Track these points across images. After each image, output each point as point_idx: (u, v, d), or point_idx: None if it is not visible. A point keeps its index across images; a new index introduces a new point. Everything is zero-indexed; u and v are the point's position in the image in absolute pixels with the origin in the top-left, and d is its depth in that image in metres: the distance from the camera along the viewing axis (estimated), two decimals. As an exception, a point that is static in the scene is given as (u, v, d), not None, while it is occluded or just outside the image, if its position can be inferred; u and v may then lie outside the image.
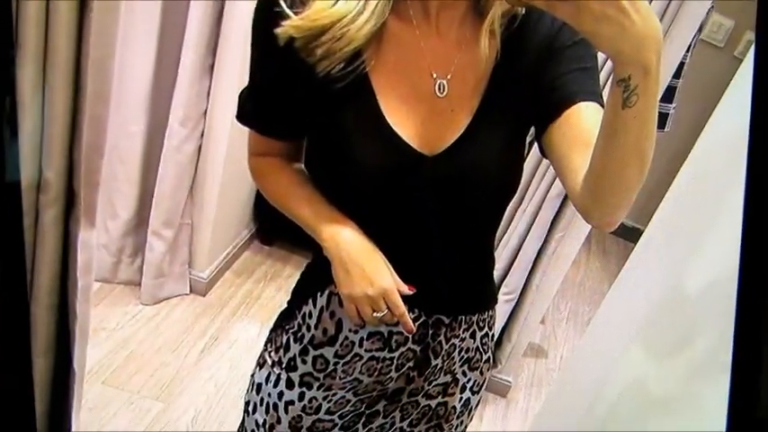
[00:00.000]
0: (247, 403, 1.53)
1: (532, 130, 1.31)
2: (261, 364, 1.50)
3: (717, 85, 2.07)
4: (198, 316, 3.37)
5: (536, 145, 1.31)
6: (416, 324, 1.36)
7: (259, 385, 1.49)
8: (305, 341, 1.42)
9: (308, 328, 1.41)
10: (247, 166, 1.42)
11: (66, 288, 1.78)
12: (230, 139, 3.11)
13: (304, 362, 1.42)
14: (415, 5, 1.22)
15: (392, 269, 1.29)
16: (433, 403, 1.51)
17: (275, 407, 1.46)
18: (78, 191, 1.63)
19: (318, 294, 1.39)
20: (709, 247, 1.46)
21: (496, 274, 3.01)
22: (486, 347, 1.53)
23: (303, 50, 1.17)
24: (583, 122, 1.17)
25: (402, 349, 1.40)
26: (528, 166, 2.84)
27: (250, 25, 1.24)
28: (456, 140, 1.24)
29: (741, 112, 1.35)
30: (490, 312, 1.51)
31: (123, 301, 3.30)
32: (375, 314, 1.28)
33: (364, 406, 1.48)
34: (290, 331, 1.44)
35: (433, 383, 1.48)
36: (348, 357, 1.40)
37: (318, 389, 1.43)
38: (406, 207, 1.29)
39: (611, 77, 0.99)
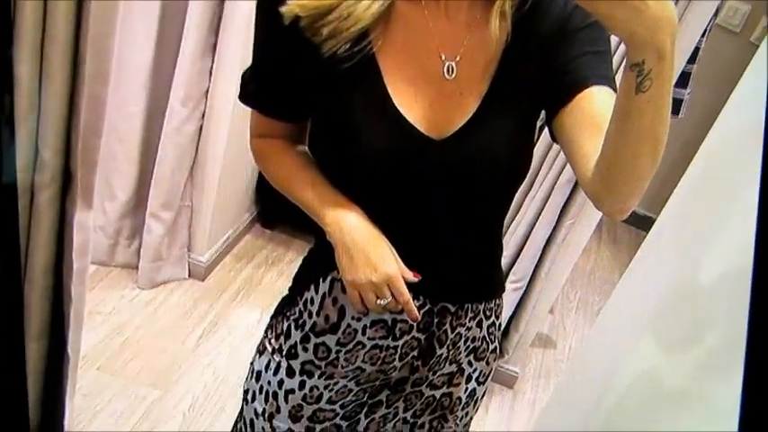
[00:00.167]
0: (246, 391, 1.54)
1: (543, 114, 1.31)
2: (261, 351, 1.51)
3: (732, 71, 2.06)
4: (196, 301, 3.37)
5: (546, 129, 1.31)
6: (421, 312, 1.37)
7: (259, 373, 1.50)
8: (306, 328, 1.42)
9: (310, 315, 1.41)
10: (249, 147, 1.42)
11: (61, 270, 1.79)
12: (232, 119, 3.10)
13: (305, 349, 1.43)
14: (424, -16, 1.21)
15: (397, 255, 1.29)
16: (438, 394, 1.51)
17: (275, 395, 1.47)
18: (75, 171, 1.63)
19: (321, 280, 1.40)
20: (724, 236, 1.45)
21: (504, 261, 3.01)
22: (492, 337, 1.53)
23: (308, 30, 1.17)
24: (595, 107, 1.17)
25: (406, 338, 1.40)
26: (538, 151, 2.83)
27: (254, 3, 1.24)
28: (464, 124, 1.24)
29: (757, 98, 1.34)
30: (497, 301, 1.52)
31: (120, 284, 3.31)
32: (379, 301, 1.28)
33: (367, 396, 1.49)
34: (292, 318, 1.45)
35: (438, 373, 1.49)
36: (350, 345, 1.40)
37: (320, 377, 1.43)
38: (412, 192, 1.29)
39: (624, 62, 0.99)
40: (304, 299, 1.43)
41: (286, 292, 1.49)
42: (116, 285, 3.30)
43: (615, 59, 2.36)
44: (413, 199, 1.30)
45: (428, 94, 1.24)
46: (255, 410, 1.51)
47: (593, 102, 1.18)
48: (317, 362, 1.42)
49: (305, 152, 1.39)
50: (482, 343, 1.51)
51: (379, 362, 1.42)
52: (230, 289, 3.53)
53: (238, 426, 1.61)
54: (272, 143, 1.39)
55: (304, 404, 1.46)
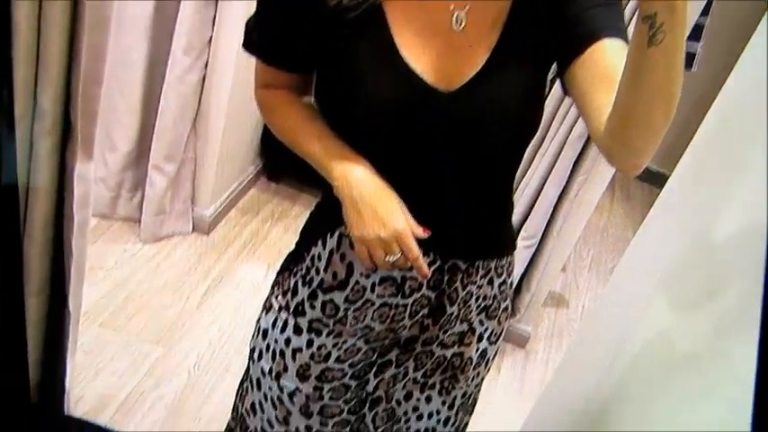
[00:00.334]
0: (253, 350, 1.54)
1: (554, 67, 1.30)
2: (267, 308, 1.51)
3: (746, 24, 2.03)
4: (201, 256, 3.38)
5: (558, 83, 1.30)
6: (431, 269, 1.36)
7: (265, 331, 1.50)
8: (314, 285, 1.42)
9: (317, 272, 1.41)
10: (254, 98, 1.41)
11: (61, 223, 1.79)
12: (236, 69, 3.08)
13: (313, 307, 1.43)
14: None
15: (406, 210, 1.28)
16: (449, 353, 1.51)
17: (282, 354, 1.47)
18: (75, 121, 1.62)
19: (328, 236, 1.39)
20: (739, 192, 1.44)
21: (515, 219, 3.00)
22: (504, 295, 1.53)
23: (315, -23, 1.16)
24: (607, 59, 1.17)
25: (416, 296, 1.40)
26: (549, 105, 2.81)
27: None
28: (473, 76, 1.23)
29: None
30: (509, 258, 1.51)
31: (122, 238, 3.32)
32: (388, 258, 1.27)
33: (376, 355, 1.49)
34: (299, 274, 1.44)
35: (449, 332, 1.49)
36: (359, 303, 1.40)
37: (328, 335, 1.44)
38: (420, 145, 1.28)
39: (635, 15, 0.98)
40: (311, 255, 1.42)
41: (293, 247, 1.49)
42: (118, 239, 3.30)
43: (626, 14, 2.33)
44: (420, 153, 1.29)
45: (436, 46, 1.23)
46: (262, 369, 1.51)
47: (606, 54, 1.18)
48: (324, 319, 1.42)
49: (311, 104, 1.38)
50: (493, 301, 1.50)
51: (389, 320, 1.42)
52: (235, 244, 3.54)
53: (245, 385, 1.61)
54: (277, 94, 1.38)
55: (312, 363, 1.46)
